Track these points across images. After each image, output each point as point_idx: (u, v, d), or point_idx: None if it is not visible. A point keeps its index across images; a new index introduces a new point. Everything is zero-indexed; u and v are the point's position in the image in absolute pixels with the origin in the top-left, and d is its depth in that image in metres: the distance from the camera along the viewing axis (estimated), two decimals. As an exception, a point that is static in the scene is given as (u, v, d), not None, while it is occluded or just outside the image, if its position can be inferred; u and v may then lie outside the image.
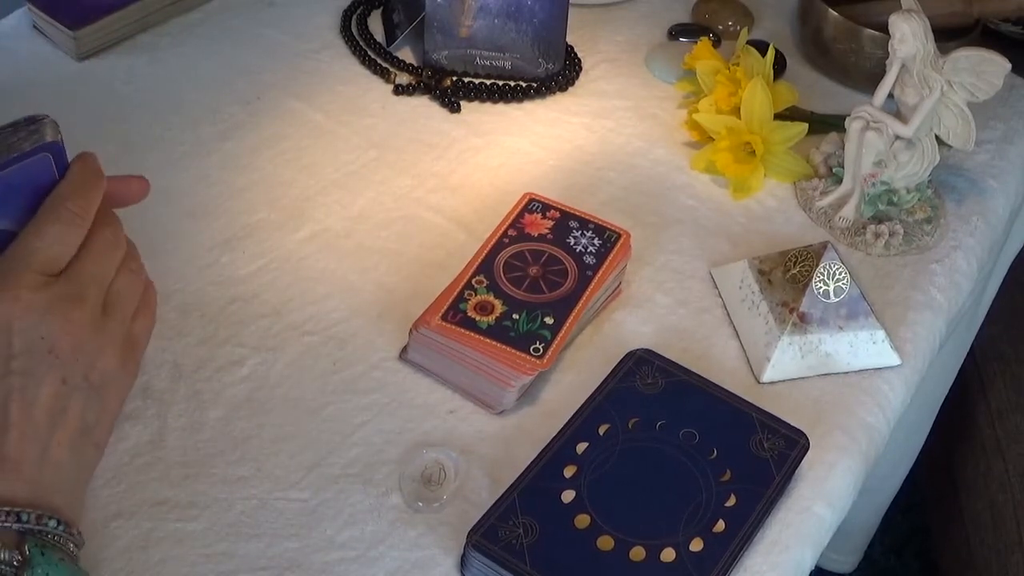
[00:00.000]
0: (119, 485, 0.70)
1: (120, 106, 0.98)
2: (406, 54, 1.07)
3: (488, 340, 0.76)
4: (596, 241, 0.83)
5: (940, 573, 1.45)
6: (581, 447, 0.72)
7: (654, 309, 0.86)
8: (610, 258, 0.82)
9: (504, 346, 0.76)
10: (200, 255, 0.85)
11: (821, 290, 0.82)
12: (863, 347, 0.83)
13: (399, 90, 1.02)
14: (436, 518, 0.71)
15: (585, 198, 0.93)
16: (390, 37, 1.07)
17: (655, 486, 0.71)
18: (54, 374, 0.60)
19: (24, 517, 0.57)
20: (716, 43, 1.09)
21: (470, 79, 1.03)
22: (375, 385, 0.78)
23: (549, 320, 0.78)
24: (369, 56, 1.05)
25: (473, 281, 0.80)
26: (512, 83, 1.04)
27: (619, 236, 0.84)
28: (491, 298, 0.79)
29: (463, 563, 0.68)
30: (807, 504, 0.74)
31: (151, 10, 1.04)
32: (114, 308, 0.64)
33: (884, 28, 0.90)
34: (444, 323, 0.77)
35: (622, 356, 0.79)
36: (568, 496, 0.69)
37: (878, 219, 0.93)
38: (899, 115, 0.91)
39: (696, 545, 0.68)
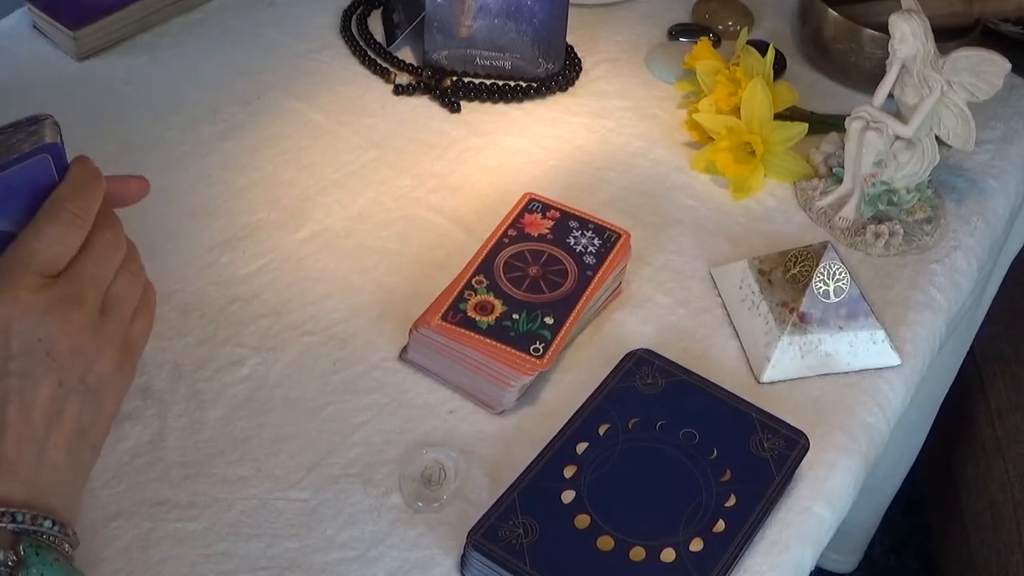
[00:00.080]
0: (119, 485, 0.70)
1: (120, 106, 0.98)
2: (406, 54, 1.07)
3: (488, 340, 0.76)
4: (596, 241, 0.83)
5: (940, 573, 1.45)
6: (581, 447, 0.72)
7: (654, 309, 0.86)
8: (610, 258, 0.82)
9: (504, 346, 0.76)
10: (200, 255, 0.85)
11: (821, 290, 0.82)
12: (863, 347, 0.83)
13: (399, 90, 1.02)
14: (436, 518, 0.71)
15: (585, 198, 0.93)
16: (390, 37, 1.07)
17: (655, 486, 0.71)
18: (52, 376, 0.60)
19: (19, 517, 0.57)
20: (716, 43, 1.09)
21: (470, 79, 1.03)
22: (375, 385, 0.78)
23: (549, 320, 0.78)
24: (369, 56, 1.05)
25: (473, 281, 0.80)
26: (512, 83, 1.04)
27: (619, 236, 0.84)
28: (491, 298, 0.79)
29: (463, 563, 0.68)
30: (807, 504, 0.74)
31: (151, 10, 1.05)
32: (113, 310, 0.64)
33: (884, 28, 0.90)
34: (444, 323, 0.77)
35: (622, 356, 0.79)
36: (568, 496, 0.69)
37: (878, 219, 0.93)
38: (899, 115, 0.91)
39: (696, 545, 0.68)
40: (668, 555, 0.67)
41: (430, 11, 1.02)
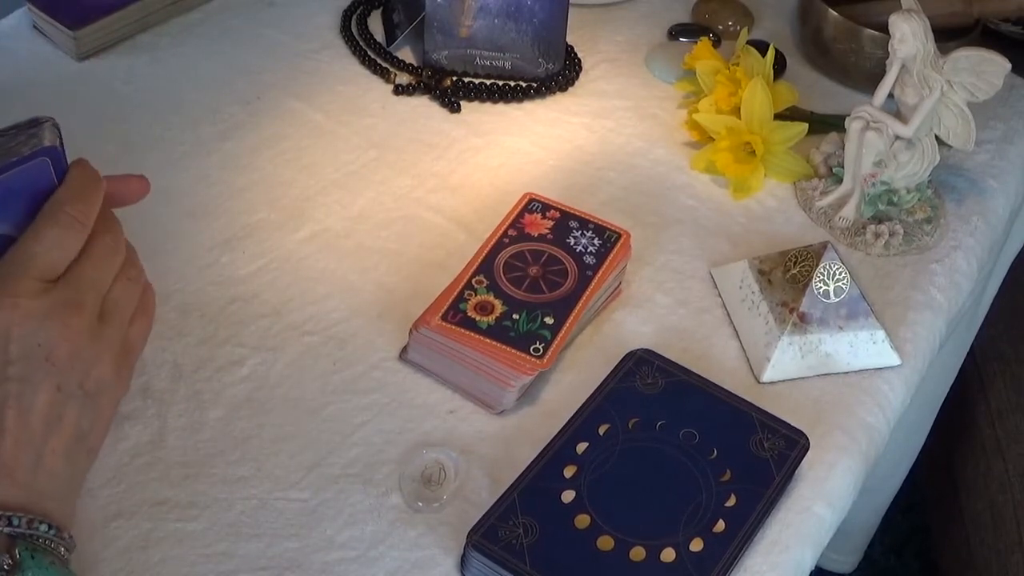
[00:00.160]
0: (119, 485, 0.70)
1: (120, 106, 0.98)
2: (406, 54, 1.07)
3: (488, 340, 0.76)
4: (596, 241, 0.83)
5: (940, 573, 1.45)
6: (581, 447, 0.72)
7: (654, 309, 0.86)
8: (610, 258, 0.82)
9: (504, 346, 0.76)
10: (200, 255, 0.85)
11: (821, 290, 0.82)
12: (863, 347, 0.83)
13: (399, 90, 1.02)
14: (436, 518, 0.71)
15: (585, 198, 0.93)
16: (390, 37, 1.07)
17: (655, 486, 0.71)
18: (50, 381, 0.60)
19: (16, 521, 0.57)
20: (716, 43, 1.09)
21: (470, 79, 1.03)
22: (375, 385, 0.78)
23: (549, 320, 0.78)
24: (369, 56, 1.05)
25: (473, 281, 0.80)
26: (512, 83, 1.04)
27: (619, 236, 0.84)
28: (491, 298, 0.79)
29: (463, 563, 0.68)
30: (807, 504, 0.74)
31: (151, 10, 1.04)
32: (111, 315, 0.64)
33: (884, 28, 0.90)
34: (444, 323, 0.77)
35: (622, 356, 0.79)
36: (568, 496, 0.69)
37: (878, 219, 0.93)
38: (899, 115, 0.91)
39: (696, 545, 0.68)
40: (668, 555, 0.67)
41: (430, 11, 1.02)
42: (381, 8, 1.11)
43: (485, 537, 0.67)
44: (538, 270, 0.81)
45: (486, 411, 0.77)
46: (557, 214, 0.85)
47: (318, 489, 0.72)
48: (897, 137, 0.90)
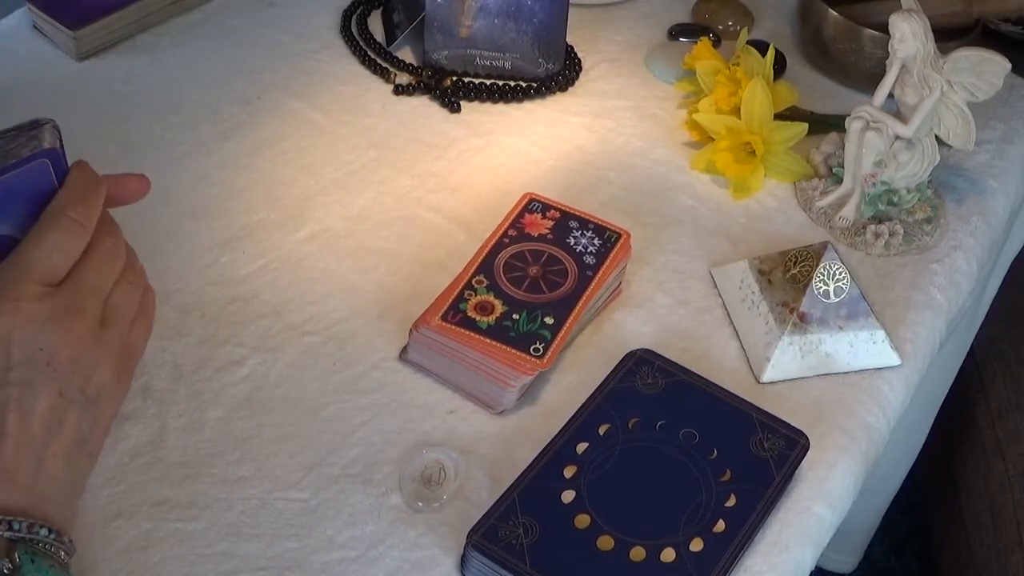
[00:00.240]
0: (119, 485, 0.70)
1: (120, 106, 0.98)
2: (406, 54, 1.07)
3: (488, 340, 0.76)
4: (596, 241, 0.83)
5: (940, 573, 1.45)
6: (581, 447, 0.72)
7: (654, 309, 0.86)
8: (610, 258, 0.82)
9: (504, 346, 0.76)
10: (200, 255, 0.85)
11: (821, 290, 0.82)
12: (863, 347, 0.83)
13: (399, 90, 1.02)
14: (436, 518, 0.71)
15: (585, 198, 0.93)
16: (390, 37, 1.07)
17: (655, 486, 0.71)
18: (51, 386, 0.60)
19: (16, 526, 0.57)
20: (716, 43, 1.09)
21: (470, 79, 1.03)
22: (375, 385, 0.78)
23: (549, 320, 0.78)
24: (369, 56, 1.05)
25: (473, 281, 0.80)
26: (512, 83, 1.04)
27: (619, 236, 0.84)
28: (491, 298, 0.79)
29: (463, 563, 0.68)
30: (807, 504, 0.74)
31: (151, 10, 1.05)
32: (112, 319, 0.64)
33: (884, 28, 0.90)
34: (444, 323, 0.77)
35: (622, 356, 0.79)
36: (568, 496, 0.69)
37: (878, 219, 0.93)
38: (899, 115, 0.91)
39: (696, 545, 0.68)
40: (668, 555, 0.67)
41: (430, 11, 1.02)
42: (381, 8, 1.11)
43: (485, 537, 0.67)
44: (538, 270, 0.81)
45: (486, 411, 0.77)
46: (557, 214, 0.85)
47: (318, 489, 0.72)
48: (897, 137, 0.90)
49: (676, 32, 1.12)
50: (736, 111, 0.96)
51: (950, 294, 0.91)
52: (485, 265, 0.81)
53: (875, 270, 0.91)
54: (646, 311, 0.85)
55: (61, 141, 0.63)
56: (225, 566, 0.67)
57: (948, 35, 0.99)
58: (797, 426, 0.75)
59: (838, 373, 0.83)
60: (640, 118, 1.03)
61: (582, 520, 0.68)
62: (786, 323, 0.81)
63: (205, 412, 0.75)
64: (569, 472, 0.71)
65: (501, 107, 1.03)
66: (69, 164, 0.65)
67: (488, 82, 1.04)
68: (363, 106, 1.01)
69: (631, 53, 1.10)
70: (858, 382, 0.82)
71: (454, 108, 1.01)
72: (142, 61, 1.02)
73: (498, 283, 0.80)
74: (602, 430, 0.73)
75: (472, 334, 0.76)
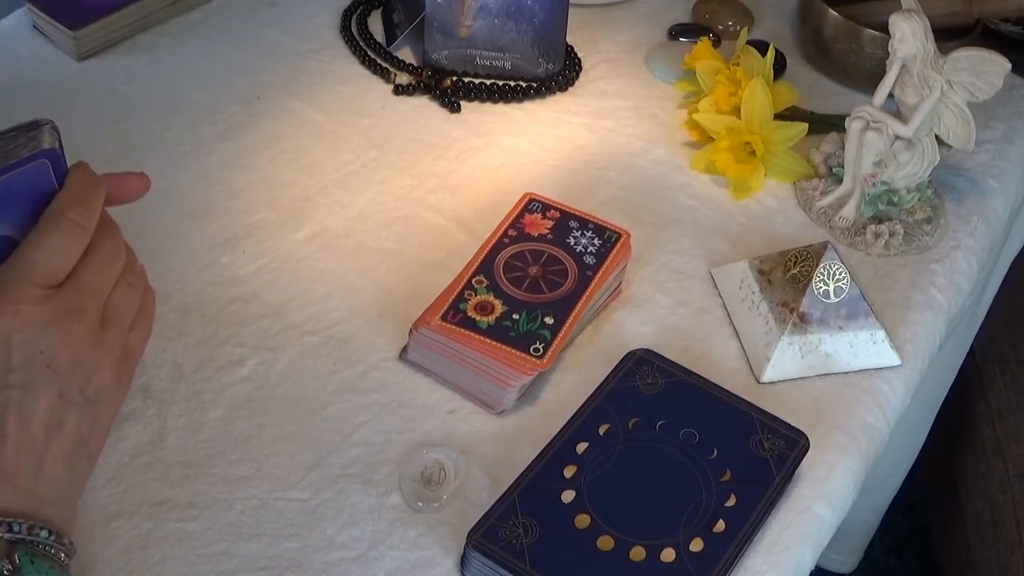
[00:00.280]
0: (119, 485, 0.70)
1: (120, 106, 0.98)
2: (406, 54, 1.07)
3: (488, 340, 0.76)
4: (596, 241, 0.83)
5: (940, 573, 1.45)
6: (581, 447, 0.72)
7: (654, 309, 0.86)
8: (610, 258, 0.82)
9: (504, 346, 0.76)
10: (200, 255, 0.85)
11: (821, 290, 0.82)
12: (863, 347, 0.83)
13: (399, 90, 1.02)
14: (436, 518, 0.71)
15: (585, 198, 0.93)
16: (390, 37, 1.07)
17: (655, 486, 0.71)
18: (52, 388, 0.60)
19: (16, 527, 0.57)
20: (716, 43, 1.09)
21: (470, 79, 1.03)
22: (375, 385, 0.78)
23: (549, 320, 0.78)
24: (369, 56, 1.05)
25: (473, 281, 0.80)
26: (512, 83, 1.04)
27: (619, 236, 0.84)
28: (491, 298, 0.79)
29: (463, 563, 0.68)
30: (807, 504, 0.74)
31: (151, 10, 1.05)
32: (112, 321, 0.64)
33: (884, 28, 0.90)
34: (444, 323, 0.77)
35: (622, 356, 0.79)
36: (568, 496, 0.69)
37: (878, 219, 0.93)
38: (899, 115, 0.91)
39: (696, 545, 0.68)
40: (668, 555, 0.67)
41: (430, 11, 1.02)
42: (381, 8, 1.11)
43: (485, 537, 0.67)
44: (538, 270, 0.81)
45: (486, 411, 0.77)
46: (557, 214, 0.85)
47: (318, 489, 0.72)
48: (897, 137, 0.90)
49: (676, 32, 1.12)
50: (736, 111, 0.96)
51: (950, 294, 0.91)
52: (485, 265, 0.81)
53: (875, 270, 0.91)
54: (646, 311, 0.85)
55: (60, 142, 0.63)
56: (225, 566, 0.67)
57: (948, 35, 0.99)
58: (797, 426, 0.75)
59: (838, 373, 0.83)
60: (640, 118, 1.03)
61: (582, 520, 0.68)
62: (786, 323, 0.81)
63: (205, 412, 0.75)
64: (569, 472, 0.71)
65: (501, 107, 1.03)
66: (68, 165, 0.65)
67: (488, 82, 1.04)
68: (363, 106, 1.01)
69: (631, 53, 1.10)
70: (858, 382, 0.82)
71: (454, 108, 1.01)
72: (142, 61, 1.02)
73: (498, 283, 0.80)
74: (602, 430, 0.73)
75: (472, 334, 0.76)
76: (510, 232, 0.83)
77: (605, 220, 0.85)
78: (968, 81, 0.88)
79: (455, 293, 0.79)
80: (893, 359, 0.84)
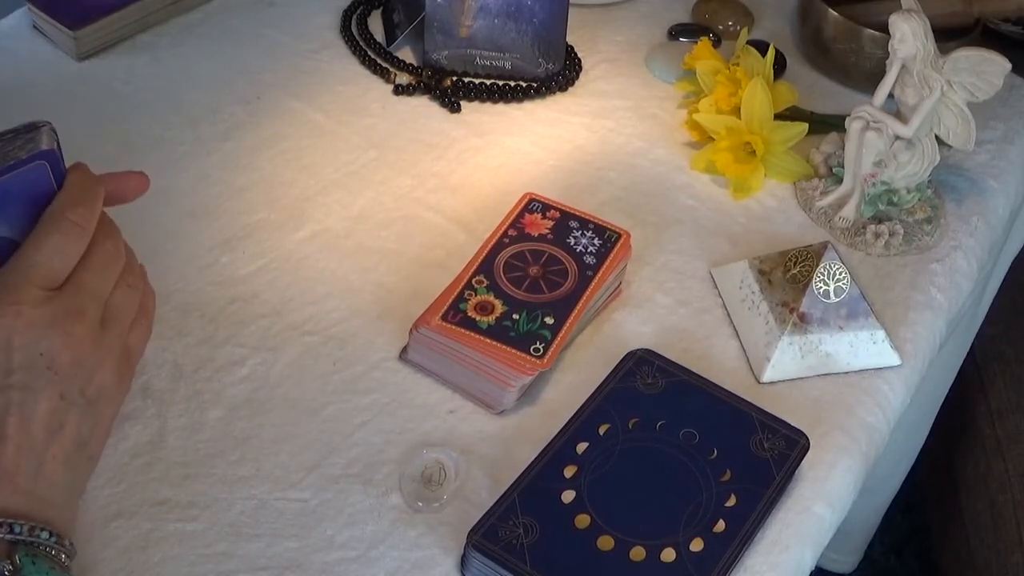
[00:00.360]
0: (119, 485, 0.70)
1: (120, 106, 0.98)
2: (406, 54, 1.07)
3: (488, 340, 0.76)
4: (596, 241, 0.83)
5: (940, 573, 1.45)
6: (581, 447, 0.72)
7: (654, 309, 0.86)
8: (610, 258, 0.82)
9: (504, 346, 0.76)
10: (200, 255, 0.85)
11: (821, 290, 0.82)
12: (863, 347, 0.83)
13: (399, 90, 1.02)
14: (436, 518, 0.71)
15: (585, 198, 0.93)
16: (390, 37, 1.07)
17: (655, 486, 0.71)
18: (52, 389, 0.60)
19: (17, 528, 0.57)
20: (716, 43, 1.10)
21: (470, 79, 1.03)
22: (375, 385, 0.78)
23: (549, 320, 0.78)
24: (369, 56, 1.05)
25: (473, 281, 0.80)
26: (512, 83, 1.04)
27: (619, 236, 0.84)
28: (491, 298, 0.79)
29: (463, 563, 0.68)
30: (807, 504, 0.74)
31: (151, 10, 1.05)
32: (112, 322, 0.64)
33: (884, 28, 0.90)
34: (444, 323, 0.77)
35: (622, 356, 0.79)
36: (568, 496, 0.69)
37: (878, 219, 0.93)
38: (899, 115, 0.91)
39: (696, 545, 0.68)
40: (668, 555, 0.67)
41: (430, 11, 1.02)
42: (381, 8, 1.11)
43: (485, 537, 0.67)
44: (538, 270, 0.81)
45: (486, 411, 0.77)
46: (557, 214, 0.85)
47: (318, 489, 0.72)
48: (897, 137, 0.90)
49: (676, 32, 1.12)
50: (736, 111, 0.96)
51: (950, 294, 0.91)
52: (485, 265, 0.81)
53: (875, 270, 0.91)
54: (646, 311, 0.85)
55: (58, 143, 0.63)
56: (225, 566, 0.67)
57: (948, 35, 0.99)
58: (797, 426, 0.75)
59: (838, 373, 0.83)
60: (640, 118, 1.03)
61: (582, 520, 0.68)
62: (786, 323, 0.81)
63: (205, 412, 0.75)
64: (569, 472, 0.71)
65: (501, 107, 1.03)
66: (67, 166, 0.65)
67: (488, 82, 1.04)
68: (363, 106, 1.01)
69: (631, 53, 1.10)
70: (858, 382, 0.82)
71: (454, 108, 1.01)
72: (142, 61, 1.02)
73: (498, 283, 0.80)
74: (602, 430, 0.73)
75: (472, 334, 0.76)
76: (510, 232, 0.83)
77: (605, 220, 0.85)
78: (968, 81, 0.88)
79: (455, 293, 0.79)
80: (893, 359, 0.84)
